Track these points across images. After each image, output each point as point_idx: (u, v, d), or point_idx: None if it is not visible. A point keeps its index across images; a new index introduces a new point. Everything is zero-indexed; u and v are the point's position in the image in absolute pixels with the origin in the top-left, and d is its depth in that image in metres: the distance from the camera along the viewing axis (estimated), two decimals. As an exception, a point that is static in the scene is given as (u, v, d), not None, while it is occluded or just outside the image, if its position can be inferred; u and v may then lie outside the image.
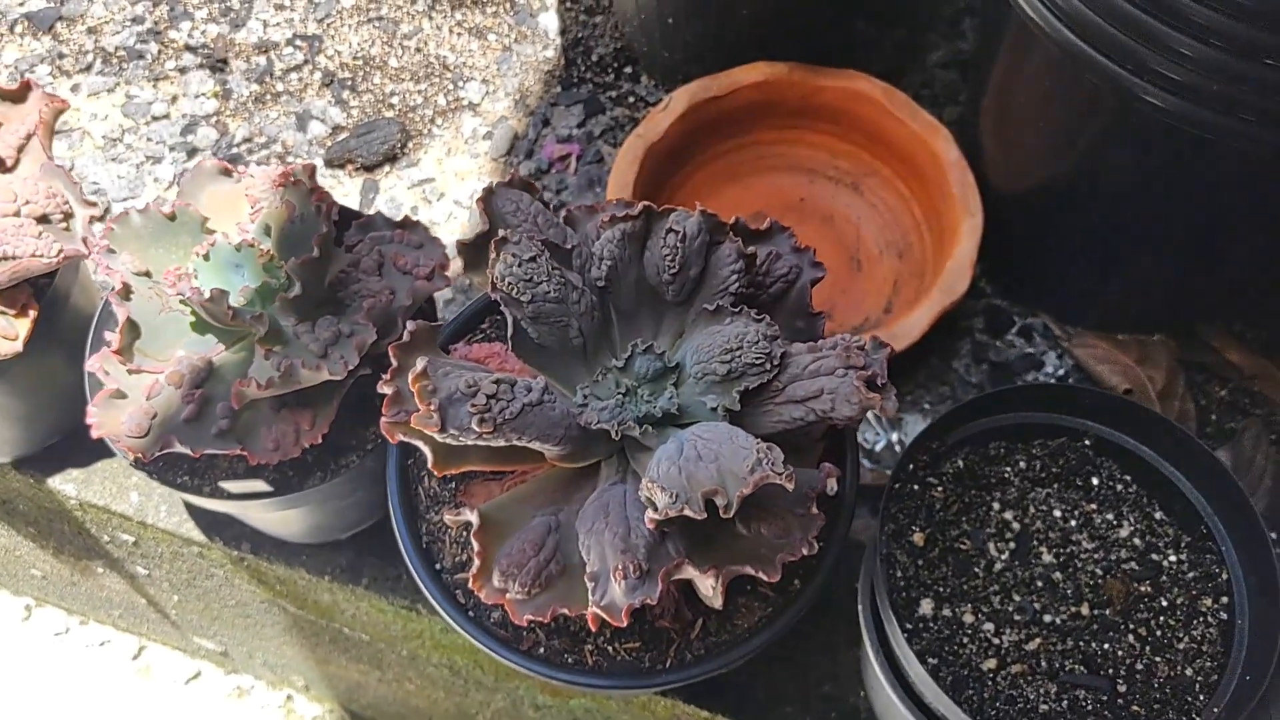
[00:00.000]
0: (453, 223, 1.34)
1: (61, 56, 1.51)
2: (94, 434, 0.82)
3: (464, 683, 1.26)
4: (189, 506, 1.13)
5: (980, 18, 1.37)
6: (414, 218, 0.94)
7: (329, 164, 1.39)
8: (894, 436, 1.19)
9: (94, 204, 0.93)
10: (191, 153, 1.42)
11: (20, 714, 1.68)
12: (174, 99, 1.46)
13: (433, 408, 0.66)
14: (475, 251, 0.77)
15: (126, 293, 0.84)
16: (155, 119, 1.45)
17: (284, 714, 1.65)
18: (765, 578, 0.69)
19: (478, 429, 0.66)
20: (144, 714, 1.67)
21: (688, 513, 0.64)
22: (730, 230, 0.75)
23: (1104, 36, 0.88)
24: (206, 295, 0.79)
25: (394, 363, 0.73)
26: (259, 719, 1.65)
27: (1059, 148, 1.08)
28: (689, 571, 0.68)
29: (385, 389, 0.71)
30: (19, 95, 1.00)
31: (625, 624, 0.67)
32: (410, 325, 0.74)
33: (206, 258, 0.83)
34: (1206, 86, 0.85)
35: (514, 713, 1.29)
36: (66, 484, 1.15)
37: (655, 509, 0.65)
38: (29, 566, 1.53)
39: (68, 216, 0.93)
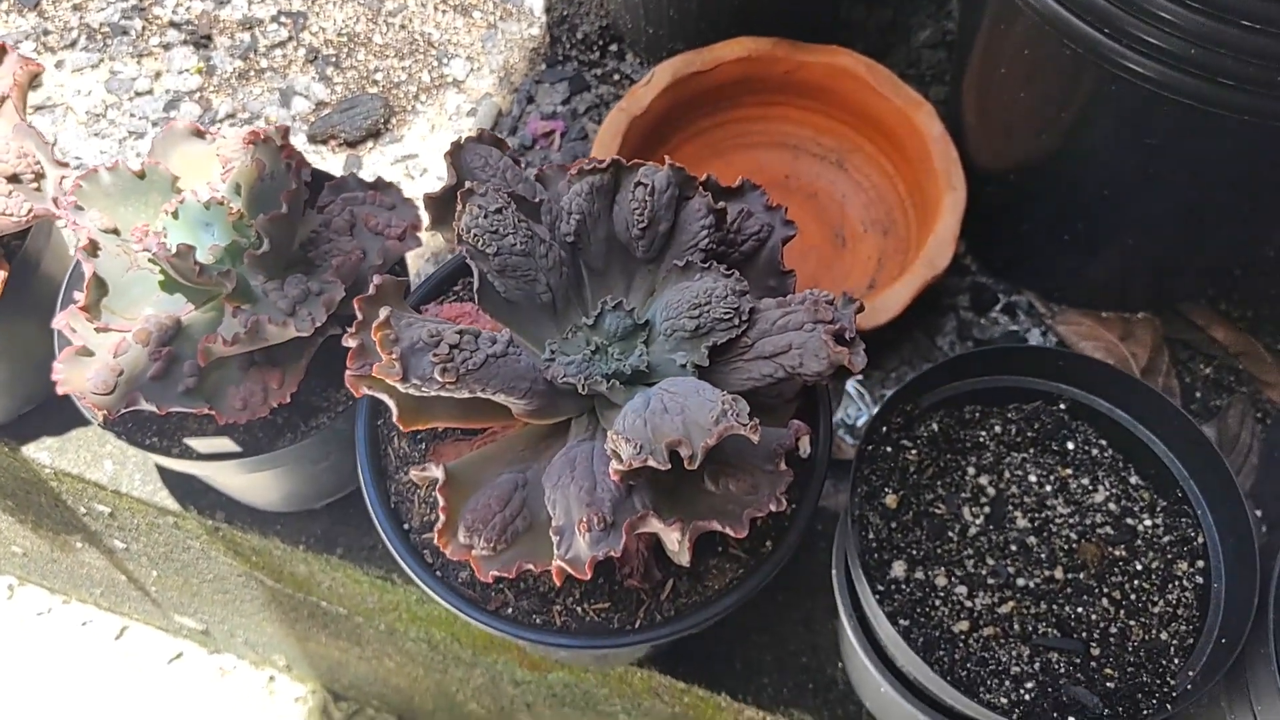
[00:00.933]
0: (435, 198, 1.34)
1: (46, 33, 1.50)
2: (59, 390, 0.81)
3: (442, 658, 1.25)
4: (163, 475, 1.12)
5: (965, -7, 1.36)
6: (386, 180, 0.94)
7: (312, 139, 1.38)
8: (876, 411, 1.18)
9: (66, 164, 0.92)
10: (174, 128, 1.41)
11: (4, 695, 1.67)
12: (157, 75, 1.45)
13: (395, 357, 0.65)
14: (442, 206, 0.76)
15: (94, 249, 0.83)
16: (138, 95, 1.44)
17: (267, 694, 1.64)
18: (732, 533, 0.69)
19: (440, 379, 0.66)
20: (127, 696, 1.66)
21: (651, 463, 0.63)
22: (700, 186, 0.75)
23: (1083, 3, 0.87)
24: (173, 251, 0.78)
25: (359, 315, 0.72)
26: (242, 699, 1.64)
27: (1041, 122, 1.07)
28: (654, 524, 0.67)
29: (350, 341, 0.70)
30: (-6, 58, 1.00)
31: (589, 576, 0.66)
32: (377, 279, 0.73)
33: (175, 215, 0.82)
34: (1186, 52, 0.84)
35: (493, 689, 1.28)
36: (41, 452, 1.14)
37: (620, 460, 0.65)
38: (9, 543, 1.52)
39: (39, 177, 0.92)
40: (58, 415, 1.14)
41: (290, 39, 1.47)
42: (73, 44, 1.49)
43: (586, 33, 1.44)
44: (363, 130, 1.38)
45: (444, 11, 1.48)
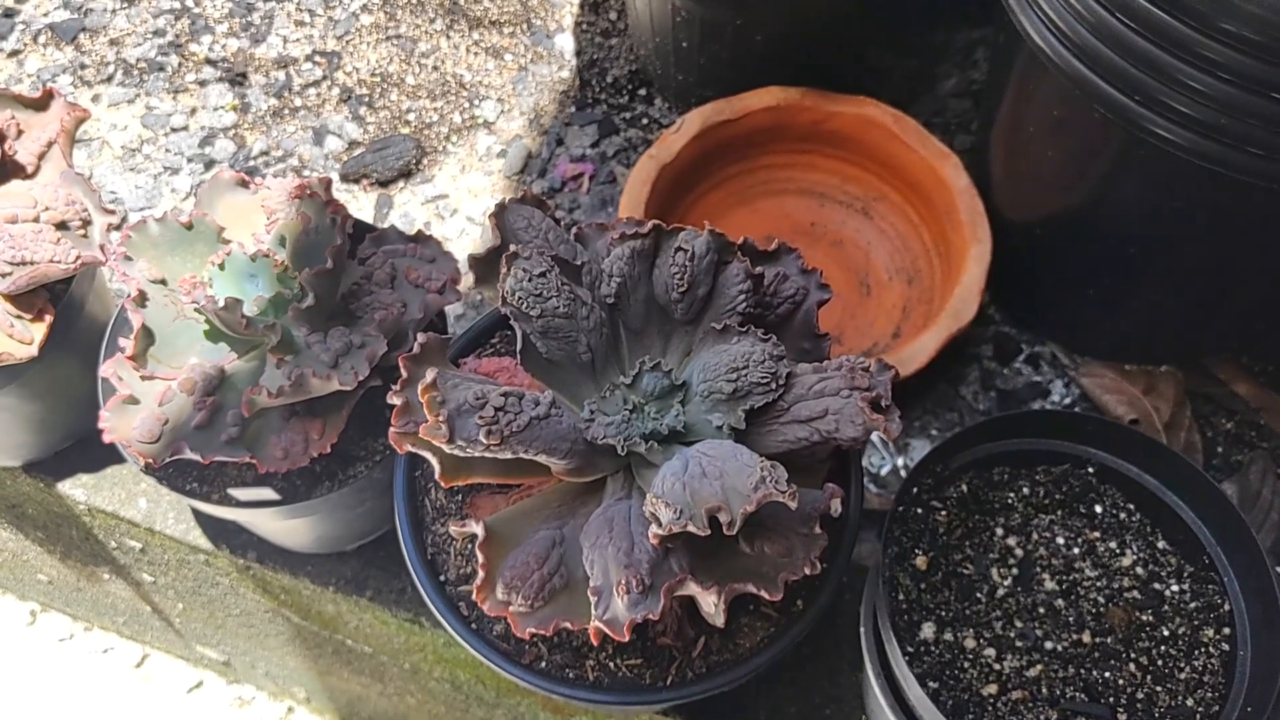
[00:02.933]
0: (465, 239, 1.35)
1: (83, 67, 1.53)
2: (106, 438, 0.82)
3: (465, 698, 1.26)
4: (196, 514, 1.14)
5: (992, 47, 1.38)
6: (426, 233, 0.95)
7: (344, 179, 1.40)
8: (900, 461, 1.19)
9: (112, 212, 0.94)
10: (209, 164, 1.43)
11: (23, 718, 1.68)
12: (193, 111, 1.48)
13: (441, 419, 0.67)
14: (486, 266, 0.78)
15: (142, 300, 0.85)
16: (174, 130, 1.46)
17: (285, 725, 1.65)
18: (767, 596, 0.70)
19: (485, 440, 0.67)
20: (146, 722, 1.67)
21: (691, 529, 0.65)
22: (738, 250, 0.76)
23: (1112, 68, 0.89)
24: (221, 304, 0.80)
25: (404, 373, 0.73)
26: (260, 730, 1.65)
27: (1067, 178, 1.09)
28: (692, 588, 0.68)
29: (395, 399, 0.72)
30: (41, 103, 1.02)
31: (627, 638, 0.67)
32: (420, 337, 0.75)
33: (222, 267, 0.84)
34: (1215, 120, 0.85)
35: (514, 729, 1.29)
36: (76, 489, 1.16)
37: (659, 524, 0.66)
38: (35, 571, 1.54)
39: (86, 224, 0.94)
40: (94, 453, 1.15)
41: (324, 78, 1.49)
42: (109, 79, 1.51)
43: (616, 76, 1.46)
44: (395, 170, 1.40)
45: (476, 54, 1.50)
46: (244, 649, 1.48)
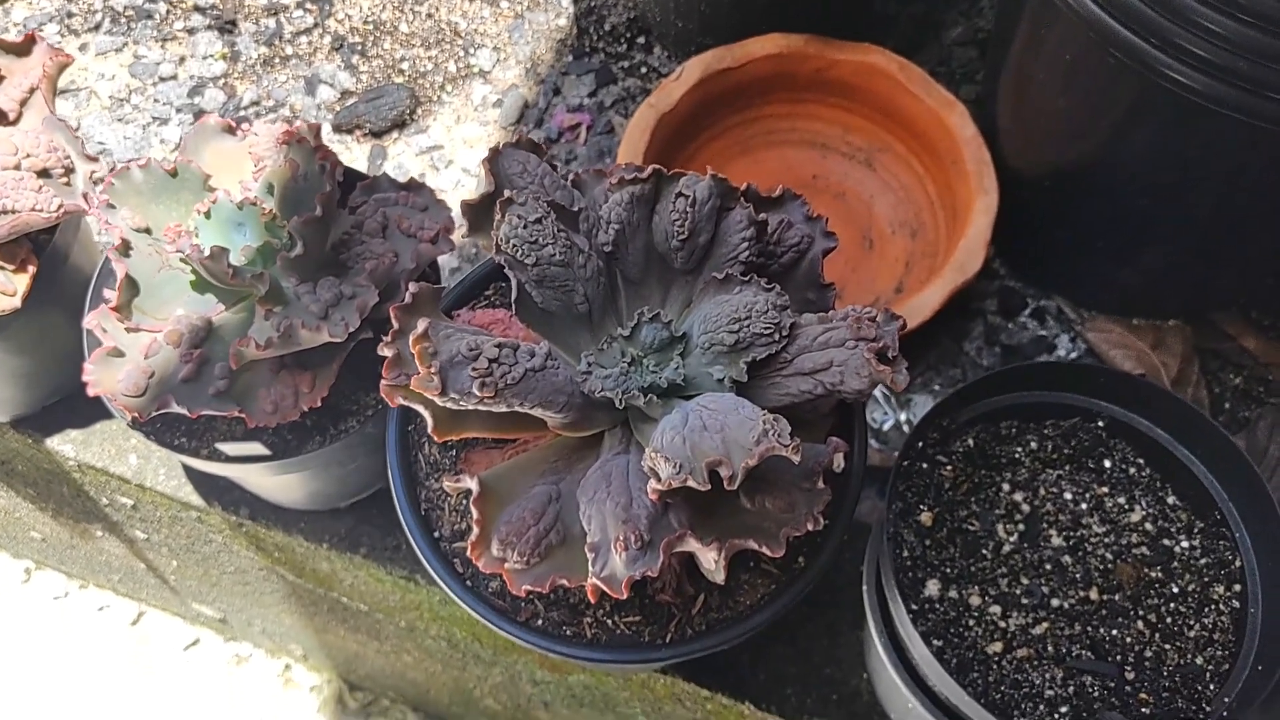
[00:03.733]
0: (460, 190, 1.33)
1: (70, 15, 1.49)
2: (90, 391, 0.80)
3: (462, 656, 1.25)
4: (188, 470, 1.12)
5: (1001, -7, 1.35)
6: (419, 181, 0.93)
7: (337, 129, 1.37)
8: (902, 417, 1.17)
9: (95, 159, 0.91)
10: (198, 114, 1.40)
11: (20, 677, 1.68)
12: (182, 60, 1.44)
13: (433, 370, 0.65)
14: (480, 213, 0.75)
15: (125, 249, 0.82)
16: (162, 80, 1.43)
17: (282, 682, 1.64)
18: (768, 552, 0.68)
19: (479, 393, 0.65)
20: (143, 679, 1.66)
21: (691, 483, 0.63)
22: (741, 196, 0.74)
23: (1128, 10, 0.86)
24: (207, 253, 0.78)
25: (395, 325, 0.71)
26: (257, 687, 1.65)
27: (1079, 127, 1.06)
28: (691, 544, 0.67)
29: (386, 351, 0.70)
30: (23, 49, 0.99)
31: (625, 595, 0.65)
32: (412, 287, 0.72)
33: (208, 215, 0.82)
34: (1234, 64, 0.83)
35: (511, 687, 1.28)
36: (65, 444, 1.14)
37: (659, 479, 0.64)
38: (28, 529, 1.52)
39: (69, 171, 0.91)
40: (82, 408, 1.13)
41: (316, 26, 1.46)
42: (97, 27, 1.48)
43: (614, 24, 1.43)
44: (388, 121, 1.37)
45: (471, 0, 1.47)
46: (240, 606, 1.47)
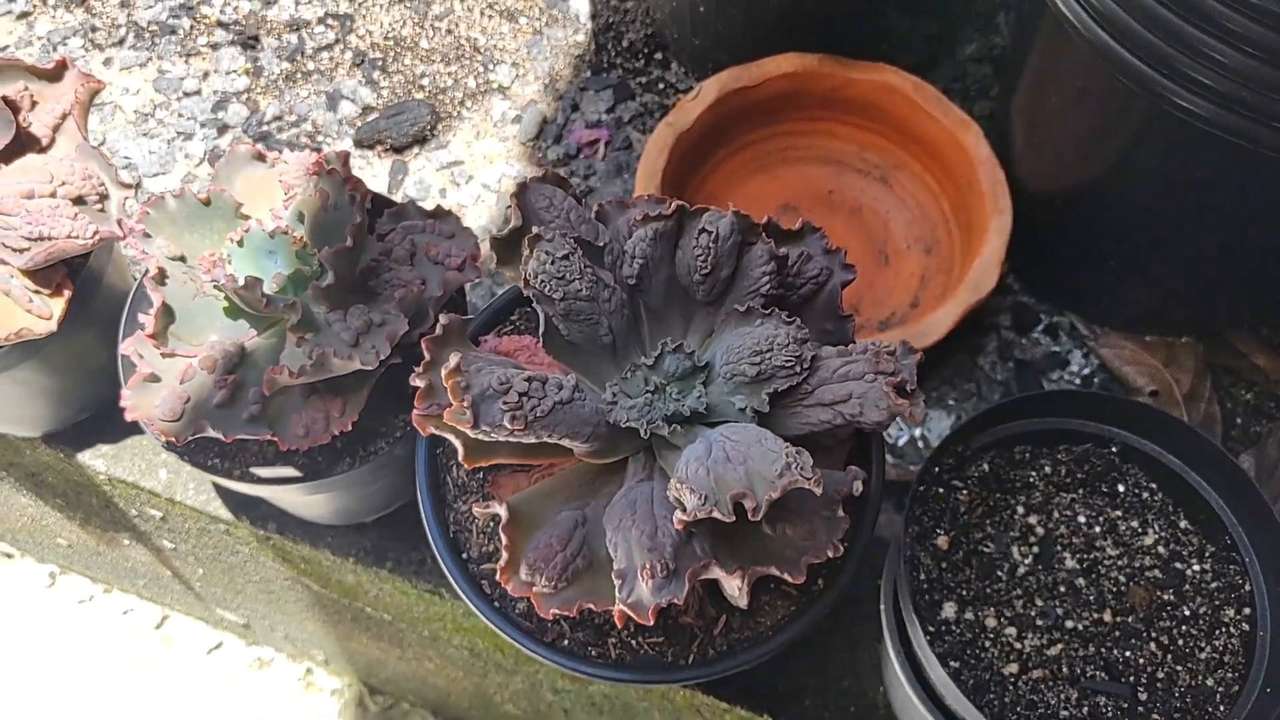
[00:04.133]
0: (480, 206, 1.35)
1: (94, 30, 1.51)
2: (128, 416, 0.83)
3: (484, 664, 1.27)
4: (217, 485, 1.14)
5: (1015, 13, 1.36)
6: (443, 201, 0.95)
7: (359, 144, 1.39)
8: (917, 432, 1.19)
9: (129, 185, 0.93)
10: (222, 129, 1.42)
11: (43, 679, 1.71)
12: (205, 75, 1.46)
13: (466, 404, 0.67)
14: (507, 247, 0.77)
15: (161, 278, 0.85)
16: (187, 95, 1.45)
17: (303, 686, 1.67)
18: (790, 579, 0.70)
19: (509, 426, 0.67)
20: (166, 682, 1.69)
21: (716, 515, 0.65)
22: (763, 231, 0.75)
23: (1138, 39, 0.88)
24: (241, 282, 0.80)
25: (427, 356, 0.73)
26: (278, 690, 1.67)
27: (1090, 148, 1.07)
28: (716, 572, 0.69)
29: (418, 382, 0.72)
30: (55, 74, 1.01)
31: (652, 622, 0.67)
32: (443, 319, 0.74)
33: (241, 244, 0.84)
34: (1240, 94, 0.84)
35: (532, 695, 1.30)
36: (96, 459, 1.16)
37: (684, 510, 0.66)
38: (55, 535, 1.55)
39: (103, 198, 0.93)
40: (113, 423, 1.15)
41: (337, 41, 1.48)
42: (120, 42, 1.50)
43: (632, 41, 1.44)
44: (409, 136, 1.39)
45: (490, 17, 1.48)
46: (263, 613, 1.49)
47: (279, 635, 1.58)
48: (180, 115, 1.44)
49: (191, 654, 1.70)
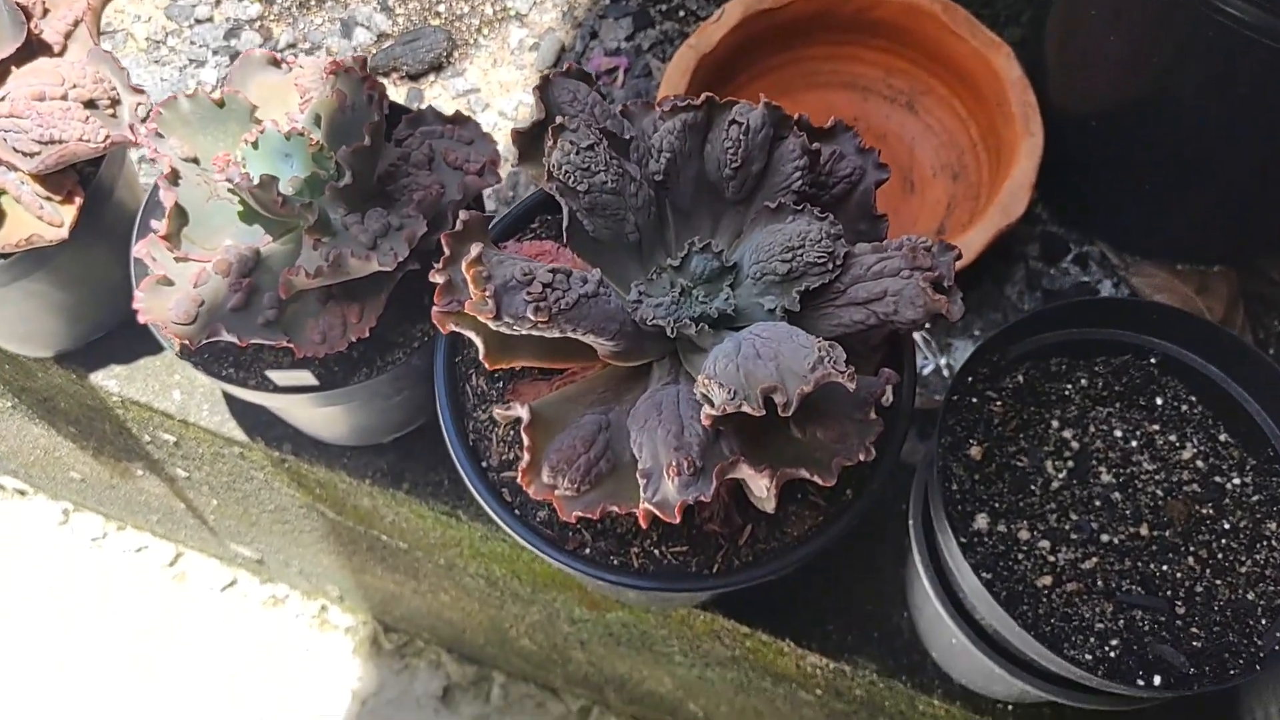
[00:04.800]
0: (497, 134, 1.32)
1: (105, -44, 1.48)
2: (141, 318, 0.81)
3: (500, 594, 1.26)
4: (231, 406, 1.12)
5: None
6: (465, 114, 0.92)
7: (374, 72, 1.37)
8: (943, 361, 1.17)
9: (141, 90, 0.91)
10: (234, 57, 1.39)
11: (57, 617, 1.70)
12: (218, 2, 1.44)
13: (488, 294, 0.64)
14: (530, 141, 0.75)
15: (174, 178, 0.82)
16: (199, 22, 1.43)
17: (318, 624, 1.66)
18: (820, 481, 0.68)
19: (533, 317, 0.65)
20: (179, 621, 1.69)
21: (746, 409, 0.63)
22: (795, 125, 0.73)
23: (1181, -58, 0.85)
24: (256, 181, 0.77)
25: (447, 251, 0.71)
26: (293, 628, 1.66)
27: (1127, 66, 1.05)
28: (744, 470, 0.67)
29: (437, 277, 0.70)
30: (66, -19, 0.98)
31: (678, 520, 0.65)
32: (463, 214, 0.72)
33: (255, 145, 0.81)
34: (1288, -6, 0.81)
35: (549, 626, 1.29)
36: (109, 380, 1.15)
37: (712, 405, 0.64)
38: (68, 469, 1.54)
39: (114, 103, 0.91)
40: (127, 343, 1.14)
41: (351, -33, 1.45)
42: (132, -32, 1.47)
43: (652, -34, 1.41)
44: (425, 64, 1.37)
45: (508, -58, 1.45)
46: (278, 546, 1.48)
47: (293, 571, 1.57)
48: (192, 43, 1.41)
49: (205, 592, 1.70)
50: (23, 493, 1.76)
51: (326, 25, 1.41)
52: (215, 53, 1.41)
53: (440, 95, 1.36)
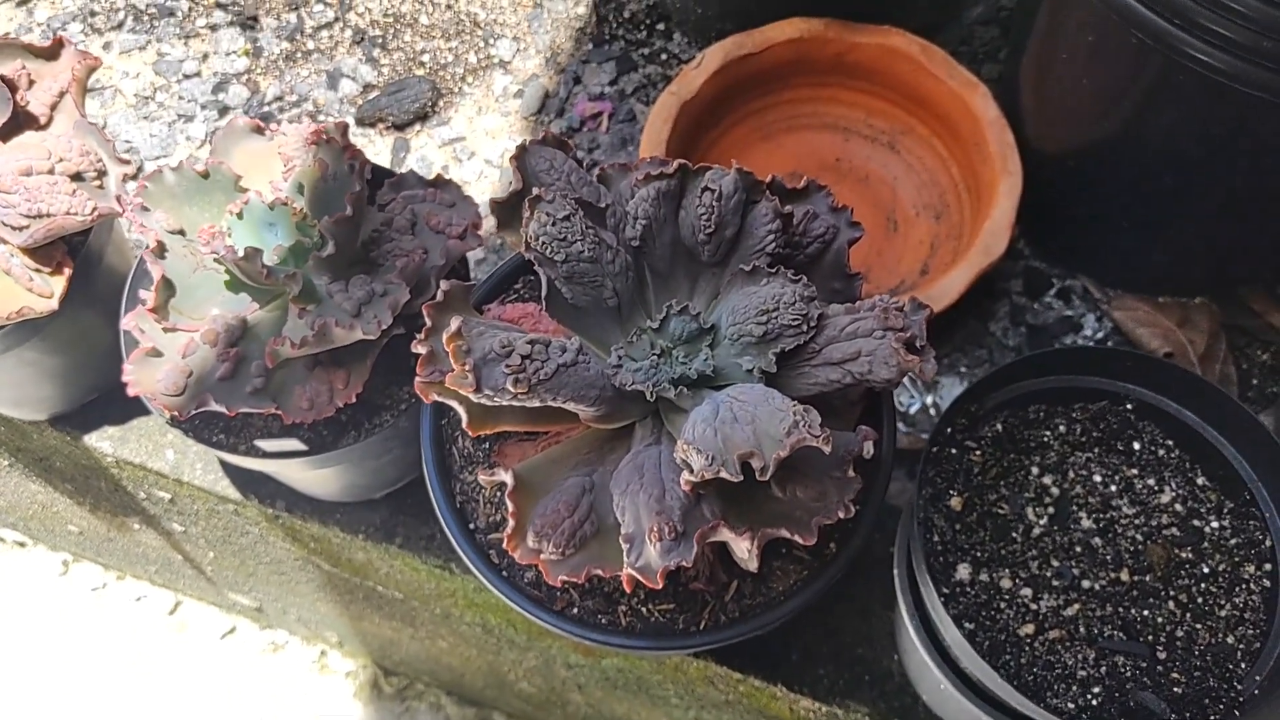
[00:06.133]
0: (484, 181, 1.34)
1: (93, 14, 1.50)
2: (130, 391, 0.82)
3: (496, 641, 1.26)
4: (224, 464, 1.14)
5: (1022, -28, 1.34)
6: (446, 177, 0.94)
7: (360, 122, 1.38)
8: (929, 399, 1.18)
9: (127, 161, 0.93)
10: (223, 111, 1.41)
11: (58, 667, 1.71)
12: (205, 57, 1.45)
13: (468, 368, 0.66)
14: (508, 210, 0.76)
15: (161, 250, 0.84)
16: (187, 77, 1.44)
17: (318, 668, 1.67)
18: (801, 541, 0.69)
19: (513, 389, 0.66)
20: (180, 668, 1.69)
21: (724, 475, 0.64)
22: (766, 189, 0.74)
23: (1151, -9, 0.86)
24: (241, 254, 0.79)
25: (428, 322, 0.72)
26: (293, 673, 1.67)
27: (1102, 107, 1.06)
28: (724, 534, 0.68)
29: (420, 348, 0.71)
30: (52, 52, 1.00)
31: (660, 586, 0.66)
32: (444, 285, 0.74)
33: (240, 216, 0.83)
34: (1258, 43, 0.82)
35: (546, 671, 1.30)
36: (103, 441, 1.16)
37: (691, 471, 0.65)
38: (66, 522, 1.55)
39: (101, 174, 0.93)
40: (119, 404, 1.15)
41: (336, 20, 1.47)
42: (119, 25, 1.49)
43: (634, 11, 1.43)
44: (410, 113, 1.38)
45: (490, -9, 1.47)
46: (276, 595, 1.49)
47: (292, 618, 1.58)
48: (180, 98, 1.43)
49: (205, 639, 1.70)
50: (23, 544, 1.77)
51: (313, 77, 1.43)
52: (204, 107, 1.42)
53: (427, 144, 1.37)
